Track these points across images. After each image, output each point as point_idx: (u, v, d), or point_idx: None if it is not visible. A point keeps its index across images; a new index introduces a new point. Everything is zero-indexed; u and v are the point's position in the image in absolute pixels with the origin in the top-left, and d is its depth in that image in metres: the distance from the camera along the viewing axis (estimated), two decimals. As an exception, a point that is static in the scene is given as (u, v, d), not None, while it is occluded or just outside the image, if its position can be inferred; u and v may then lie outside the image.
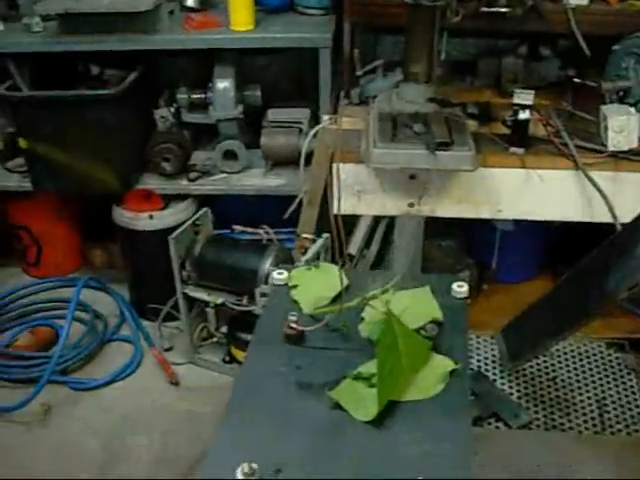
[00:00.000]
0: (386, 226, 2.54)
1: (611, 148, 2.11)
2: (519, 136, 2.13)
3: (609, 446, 1.87)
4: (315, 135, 2.44)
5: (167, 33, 2.62)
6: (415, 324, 1.25)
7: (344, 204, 2.29)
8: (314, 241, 2.40)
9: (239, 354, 2.51)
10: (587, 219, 2.22)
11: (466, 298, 1.39)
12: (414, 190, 2.22)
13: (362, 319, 1.31)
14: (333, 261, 2.62)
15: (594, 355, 2.42)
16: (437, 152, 1.96)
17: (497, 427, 2.22)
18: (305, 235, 2.41)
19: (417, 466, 1.02)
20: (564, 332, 1.39)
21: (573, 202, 2.19)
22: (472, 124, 2.21)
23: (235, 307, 2.41)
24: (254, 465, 0.99)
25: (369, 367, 1.18)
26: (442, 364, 1.18)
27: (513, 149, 2.15)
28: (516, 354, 1.48)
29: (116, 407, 2.50)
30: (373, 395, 1.10)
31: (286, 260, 2.42)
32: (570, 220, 2.23)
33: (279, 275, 1.43)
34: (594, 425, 2.21)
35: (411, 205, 2.26)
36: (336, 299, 1.35)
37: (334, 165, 2.21)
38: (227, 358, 2.56)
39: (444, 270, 2.51)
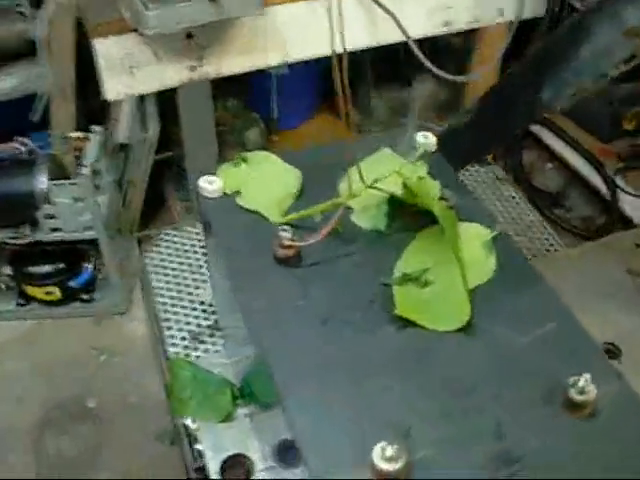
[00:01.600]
0: (158, 100, 2.23)
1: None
2: (294, -36, 1.92)
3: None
4: (49, 14, 2.02)
5: None
6: (430, 191, 0.99)
7: (116, 86, 1.94)
8: (87, 139, 2.05)
9: (35, 292, 2.13)
10: (377, 43, 2.11)
11: (435, 150, 1.16)
12: (193, 51, 1.93)
13: (350, 209, 1.03)
14: (117, 154, 2.29)
15: (463, 175, 2.38)
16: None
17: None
18: (76, 134, 2.04)
19: (539, 356, 0.85)
20: (489, 149, 1.29)
21: (361, 27, 2.04)
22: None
23: (17, 241, 2.01)
24: (386, 444, 0.74)
25: (409, 263, 0.94)
26: (477, 233, 0.98)
27: (290, -20, 1.94)
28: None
29: None
30: (437, 295, 0.89)
31: (60, 169, 2.04)
32: (361, 48, 2.11)
33: (210, 185, 1.07)
34: None
35: (193, 69, 1.97)
36: (301, 195, 1.07)
37: (93, 42, 1.86)
38: (21, 301, 2.17)
39: (235, 132, 2.29)
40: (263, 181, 1.10)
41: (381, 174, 1.00)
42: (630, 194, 2.22)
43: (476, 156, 1.46)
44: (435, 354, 0.86)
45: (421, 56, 2.09)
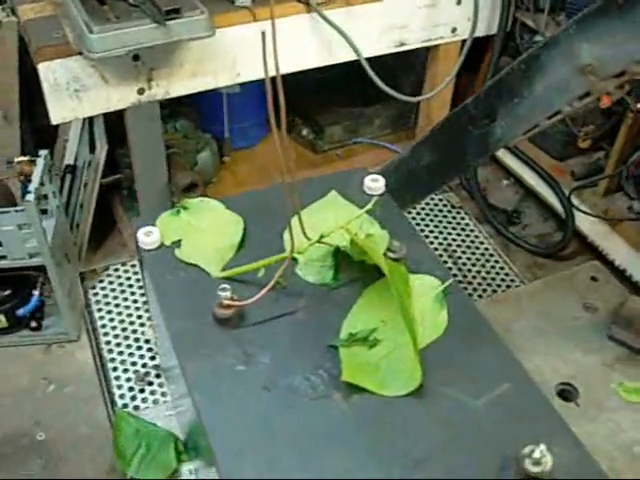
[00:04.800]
0: (107, 120, 2.17)
1: (339, -19, 1.97)
2: (243, -15, 1.89)
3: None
4: (-10, 34, 1.97)
5: None
6: (379, 248, 0.95)
7: (62, 109, 1.90)
8: (33, 162, 1.99)
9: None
10: (328, 62, 2.10)
11: (384, 193, 1.12)
12: (141, 73, 1.89)
13: (295, 260, 0.99)
14: (65, 176, 2.23)
15: (419, 205, 2.36)
16: (168, 22, 1.67)
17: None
18: (21, 159, 1.97)
19: (493, 422, 0.81)
20: (437, 186, 1.26)
21: (312, 47, 2.03)
22: (182, -18, 1.92)
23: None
24: None
25: (355, 323, 0.89)
26: (428, 286, 0.94)
27: (240, 2, 1.91)
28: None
29: None
30: (386, 357, 0.84)
31: (5, 195, 1.98)
32: (313, 67, 2.09)
33: (147, 237, 1.02)
34: (454, 275, 2.11)
35: (141, 91, 1.93)
36: (242, 244, 1.02)
37: (38, 66, 1.81)
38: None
39: (187, 153, 2.24)
40: (203, 231, 1.05)
41: (328, 223, 0.96)
42: (585, 212, 2.23)
43: (430, 190, 1.43)
44: (384, 422, 0.82)
45: (373, 75, 2.09)
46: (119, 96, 1.87)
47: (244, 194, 1.08)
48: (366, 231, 0.98)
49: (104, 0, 1.70)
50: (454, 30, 2.19)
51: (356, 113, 2.59)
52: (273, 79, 0.96)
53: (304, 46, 2.00)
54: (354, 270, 0.98)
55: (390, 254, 0.98)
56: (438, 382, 0.85)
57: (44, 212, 2.03)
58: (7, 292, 2.06)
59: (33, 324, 2.15)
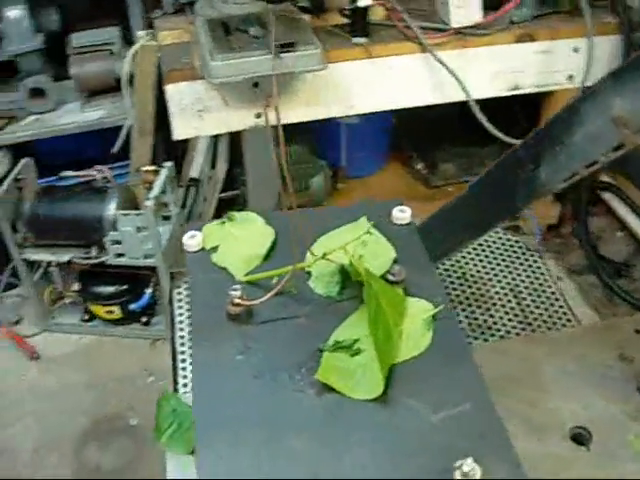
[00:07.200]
0: (229, 141, 2.35)
1: (454, 25, 2.04)
2: (360, 25, 1.99)
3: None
4: (134, 56, 2.19)
5: None
6: (378, 270, 1.07)
7: (185, 127, 2.09)
8: (157, 172, 2.19)
9: (98, 310, 2.29)
10: (439, 101, 2.16)
11: (410, 223, 1.21)
12: (259, 99, 2.05)
13: (309, 274, 1.10)
14: (189, 187, 2.43)
15: (494, 243, 2.40)
16: (282, 55, 1.81)
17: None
18: (146, 168, 2.18)
19: (444, 435, 0.88)
20: (489, 227, 1.32)
21: (424, 86, 2.11)
22: (306, 18, 2.06)
23: (85, 262, 2.17)
24: None
25: (344, 332, 1.00)
26: (421, 309, 1.02)
27: (356, 39, 2.01)
28: (435, 253, 1.36)
29: (-24, 398, 2.20)
30: (363, 366, 0.94)
31: (130, 199, 2.19)
32: (423, 104, 2.16)
33: (191, 239, 1.16)
34: (515, 315, 2.16)
35: (258, 116, 2.09)
36: (269, 254, 1.15)
37: (166, 87, 2.00)
38: (86, 316, 2.33)
39: (300, 177, 2.38)
40: (238, 239, 1.17)
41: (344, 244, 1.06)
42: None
43: (485, 229, 1.47)
44: (345, 421, 0.90)
45: (482, 117, 2.12)
46: (238, 118, 2.02)
47: (288, 212, 1.19)
48: (360, 253, 1.08)
49: (230, 31, 1.86)
50: (570, 77, 2.19)
51: (470, 152, 2.64)
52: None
53: (416, 84, 2.08)
54: (357, 287, 1.06)
55: (389, 277, 1.07)
56: (404, 393, 0.93)
57: (166, 218, 2.23)
58: (124, 287, 2.28)
59: (144, 319, 2.36)
